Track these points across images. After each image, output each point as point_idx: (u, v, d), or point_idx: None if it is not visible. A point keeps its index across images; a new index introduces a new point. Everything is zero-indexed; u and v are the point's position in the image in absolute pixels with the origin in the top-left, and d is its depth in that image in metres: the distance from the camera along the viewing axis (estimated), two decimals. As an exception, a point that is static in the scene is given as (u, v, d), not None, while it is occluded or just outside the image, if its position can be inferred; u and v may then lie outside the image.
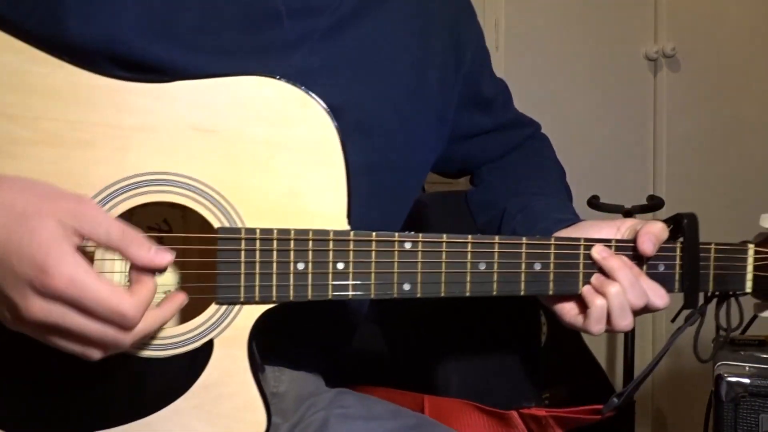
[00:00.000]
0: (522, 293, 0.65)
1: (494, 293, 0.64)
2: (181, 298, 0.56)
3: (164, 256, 0.53)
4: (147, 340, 0.56)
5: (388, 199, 0.75)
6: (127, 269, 0.55)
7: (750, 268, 0.71)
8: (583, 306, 0.66)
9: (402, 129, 0.75)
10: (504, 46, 1.62)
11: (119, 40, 0.61)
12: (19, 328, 0.51)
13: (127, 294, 0.51)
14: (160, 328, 0.55)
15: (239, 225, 0.59)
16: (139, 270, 0.53)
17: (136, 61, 0.61)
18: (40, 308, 0.48)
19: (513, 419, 0.73)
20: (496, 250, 0.64)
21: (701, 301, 0.71)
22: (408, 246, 0.62)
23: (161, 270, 0.53)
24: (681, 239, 0.68)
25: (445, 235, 0.63)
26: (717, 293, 0.72)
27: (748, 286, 0.71)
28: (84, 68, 0.57)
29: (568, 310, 0.68)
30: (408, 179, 0.79)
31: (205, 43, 0.64)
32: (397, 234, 0.62)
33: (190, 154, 0.59)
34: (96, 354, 0.52)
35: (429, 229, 0.82)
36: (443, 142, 0.81)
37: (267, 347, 0.70)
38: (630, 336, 1.59)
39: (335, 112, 0.61)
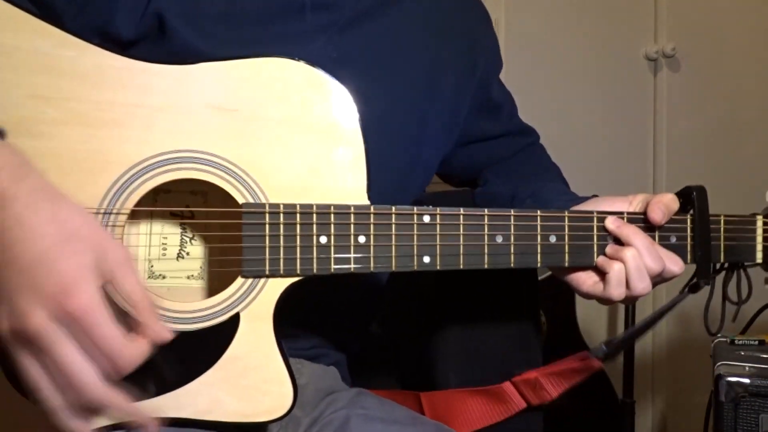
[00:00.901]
0: (539, 265, 0.66)
1: (512, 265, 0.65)
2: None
3: (166, 334, 0.51)
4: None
5: (395, 196, 0.76)
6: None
7: (759, 239, 0.72)
8: (600, 274, 0.67)
9: (415, 126, 0.77)
10: (504, 46, 1.62)
11: (164, 22, 0.64)
12: (4, 335, 0.48)
13: (131, 343, 0.49)
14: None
15: (263, 200, 0.61)
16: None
17: (166, 44, 0.64)
18: (40, 321, 0.46)
19: (507, 391, 0.74)
20: (512, 222, 0.65)
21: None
22: (427, 219, 0.63)
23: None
24: (691, 212, 0.70)
25: (462, 209, 0.64)
26: (726, 265, 0.73)
27: (759, 257, 0.72)
28: (110, 51, 0.60)
29: (584, 279, 0.69)
30: (416, 177, 0.80)
31: (228, 34, 0.67)
32: (416, 208, 0.63)
33: (214, 133, 0.60)
34: (52, 399, 0.48)
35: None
36: (452, 143, 0.83)
37: (287, 339, 0.72)
38: (630, 322, 1.59)
39: None
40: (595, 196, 0.69)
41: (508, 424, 0.76)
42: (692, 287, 0.71)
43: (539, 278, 0.94)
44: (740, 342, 1.04)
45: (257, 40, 0.68)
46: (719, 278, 0.74)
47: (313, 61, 0.62)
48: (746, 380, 0.93)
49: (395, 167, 0.75)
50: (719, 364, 0.97)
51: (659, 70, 1.84)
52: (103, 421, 0.53)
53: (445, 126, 0.80)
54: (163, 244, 0.68)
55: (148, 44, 0.67)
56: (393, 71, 0.74)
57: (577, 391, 1.51)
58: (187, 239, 0.68)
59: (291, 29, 0.69)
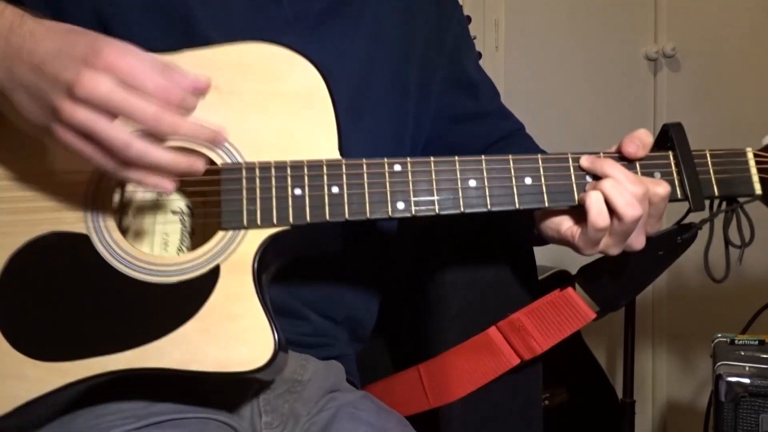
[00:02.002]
0: (518, 206, 0.66)
1: (489, 207, 0.65)
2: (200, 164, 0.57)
3: (202, 79, 0.57)
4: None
5: None
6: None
7: (754, 170, 0.69)
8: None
9: (395, 105, 0.79)
10: (504, 46, 1.66)
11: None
12: (64, 115, 0.53)
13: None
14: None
15: (240, 161, 0.63)
16: None
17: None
18: (90, 79, 0.52)
19: (493, 337, 0.70)
20: (483, 167, 0.66)
21: (707, 213, 0.70)
22: (398, 168, 0.65)
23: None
24: (672, 150, 0.69)
25: (432, 157, 0.66)
26: (722, 204, 0.70)
27: (757, 188, 0.68)
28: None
29: (575, 230, 0.66)
30: (406, 152, 0.80)
31: (212, 30, 0.70)
32: (386, 158, 0.65)
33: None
34: (134, 146, 0.53)
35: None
36: (429, 119, 0.83)
37: (291, 322, 0.72)
38: (630, 319, 1.53)
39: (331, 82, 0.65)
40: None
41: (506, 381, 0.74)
42: (688, 227, 0.68)
43: (539, 278, 0.92)
44: (740, 342, 1.03)
45: (240, 32, 0.70)
46: (718, 222, 0.71)
47: (286, 41, 0.66)
48: (746, 380, 0.92)
49: (385, 140, 0.77)
50: (719, 364, 0.96)
51: (659, 70, 1.85)
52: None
53: (417, 98, 0.81)
54: (164, 242, 0.70)
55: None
56: (370, 43, 0.77)
57: (577, 391, 1.46)
58: (187, 235, 0.71)
59: (270, 18, 0.73)
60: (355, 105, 0.75)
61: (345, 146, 0.65)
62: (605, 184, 0.63)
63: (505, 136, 0.89)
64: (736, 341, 1.03)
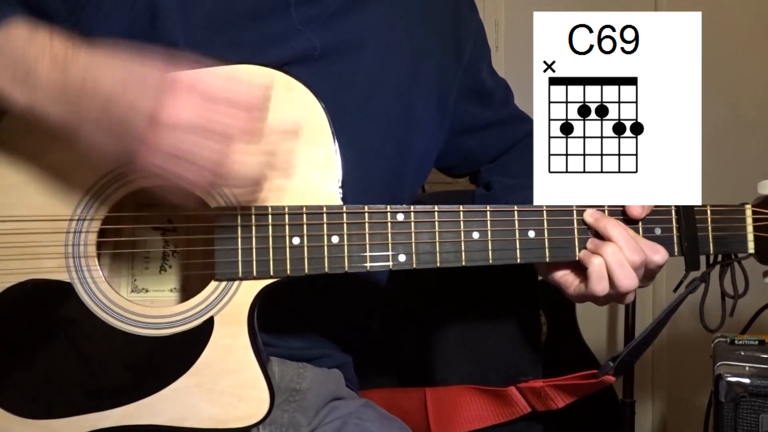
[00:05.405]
0: (519, 261, 0.65)
1: (490, 262, 0.64)
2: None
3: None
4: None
5: (391, 183, 0.76)
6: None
7: (750, 228, 0.70)
8: (585, 272, 0.65)
9: (400, 109, 0.76)
10: (504, 46, 1.63)
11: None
12: (151, 142, 0.52)
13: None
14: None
15: (235, 204, 0.61)
16: None
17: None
18: (173, 106, 0.52)
19: (512, 395, 0.72)
20: (488, 218, 0.64)
21: (703, 267, 0.70)
22: (401, 217, 0.63)
23: None
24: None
25: (436, 206, 0.64)
26: (719, 259, 0.71)
27: (750, 246, 0.70)
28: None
29: (572, 281, 0.68)
30: (411, 165, 0.79)
31: (213, 39, 0.67)
32: (389, 206, 0.63)
33: (186, 139, 0.61)
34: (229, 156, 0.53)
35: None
36: (444, 132, 0.82)
37: (285, 337, 0.71)
38: (630, 321, 1.55)
39: (334, 94, 0.63)
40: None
41: (509, 425, 0.74)
42: (688, 285, 0.69)
43: (539, 278, 0.92)
44: (740, 342, 1.02)
45: (243, 42, 0.68)
46: (715, 274, 0.72)
47: (295, 56, 0.64)
48: (746, 380, 0.91)
49: (386, 153, 0.75)
50: (719, 364, 0.95)
51: (659, 70, 1.84)
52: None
53: (433, 111, 0.79)
54: (145, 258, 0.68)
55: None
56: (377, 56, 0.74)
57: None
58: (169, 253, 0.69)
59: (278, 27, 0.69)
60: (360, 113, 0.73)
61: (344, 158, 0.63)
62: (607, 250, 0.63)
63: (520, 140, 0.87)
64: (736, 341, 1.02)
